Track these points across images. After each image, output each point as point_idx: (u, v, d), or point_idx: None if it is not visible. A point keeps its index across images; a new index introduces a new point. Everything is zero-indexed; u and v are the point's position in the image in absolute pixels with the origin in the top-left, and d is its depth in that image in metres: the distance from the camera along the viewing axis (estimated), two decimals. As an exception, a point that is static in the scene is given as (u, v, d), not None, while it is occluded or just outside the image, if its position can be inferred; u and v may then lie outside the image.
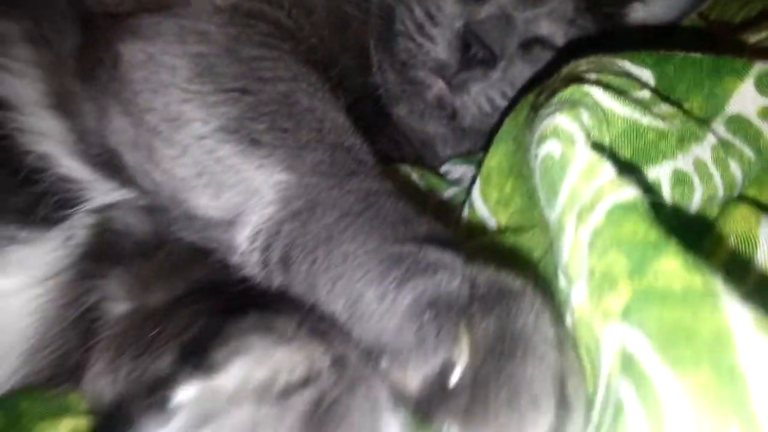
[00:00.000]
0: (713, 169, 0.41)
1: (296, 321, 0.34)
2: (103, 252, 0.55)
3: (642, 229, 0.28)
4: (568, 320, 0.34)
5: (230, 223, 0.44)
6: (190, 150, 0.47)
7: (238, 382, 0.26)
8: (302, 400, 0.25)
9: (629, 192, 0.30)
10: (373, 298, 0.34)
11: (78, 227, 0.56)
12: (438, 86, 0.65)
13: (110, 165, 0.54)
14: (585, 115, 0.37)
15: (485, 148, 0.56)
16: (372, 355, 0.32)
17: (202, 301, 0.47)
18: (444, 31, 0.63)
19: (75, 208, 0.56)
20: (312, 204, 0.41)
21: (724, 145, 0.42)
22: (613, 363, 0.28)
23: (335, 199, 0.41)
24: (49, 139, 0.56)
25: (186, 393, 0.26)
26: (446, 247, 0.36)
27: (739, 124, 0.43)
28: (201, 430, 0.23)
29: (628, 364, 0.26)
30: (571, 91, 0.39)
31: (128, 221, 0.57)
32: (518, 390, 0.29)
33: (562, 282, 0.35)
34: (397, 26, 0.65)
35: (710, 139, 0.42)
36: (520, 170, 0.48)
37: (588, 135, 0.35)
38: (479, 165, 0.55)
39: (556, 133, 0.35)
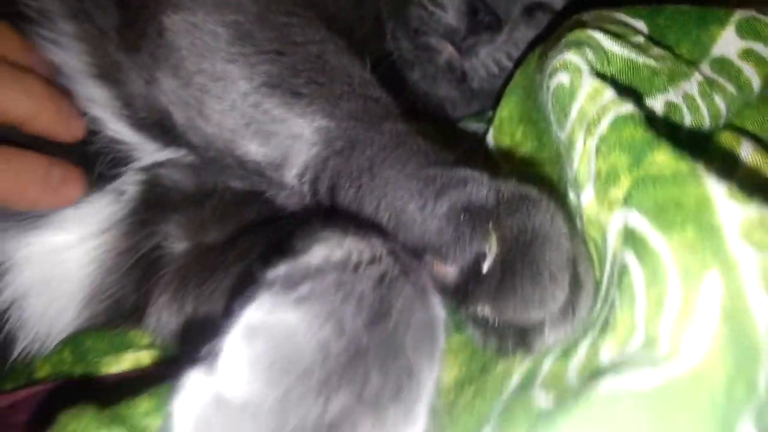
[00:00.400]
0: (700, 102, 0.47)
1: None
2: (155, 204, 0.61)
3: (639, 132, 0.34)
4: (578, 225, 0.40)
5: (279, 165, 0.50)
6: (237, 104, 0.52)
7: (320, 260, 0.32)
8: (371, 274, 0.31)
9: (628, 106, 0.36)
10: (415, 209, 0.40)
11: (129, 184, 0.62)
12: (448, 51, 0.69)
13: (156, 127, 0.60)
14: (589, 53, 0.43)
15: (494, 107, 0.61)
16: (416, 253, 0.39)
17: (255, 235, 0.52)
18: (453, 0, 0.69)
19: (125, 167, 0.62)
20: (352, 143, 0.47)
21: (709, 82, 0.48)
22: (617, 241, 0.34)
23: (372, 138, 0.47)
24: (97, 105, 0.61)
25: (275, 272, 0.32)
26: (473, 168, 0.42)
27: (722, 64, 0.49)
28: (293, 293, 0.29)
29: (629, 237, 0.32)
30: (576, 35, 0.45)
31: (175, 177, 0.62)
32: (539, 271, 0.36)
33: (571, 197, 0.41)
34: None
35: (697, 77, 0.48)
36: (530, 116, 0.54)
37: (592, 68, 0.41)
38: (490, 123, 0.60)
39: (565, 66, 0.41)
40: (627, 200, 0.33)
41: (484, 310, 0.37)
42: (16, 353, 0.60)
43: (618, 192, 0.34)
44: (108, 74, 0.61)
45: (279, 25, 0.57)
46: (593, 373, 0.29)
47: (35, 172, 0.54)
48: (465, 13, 0.67)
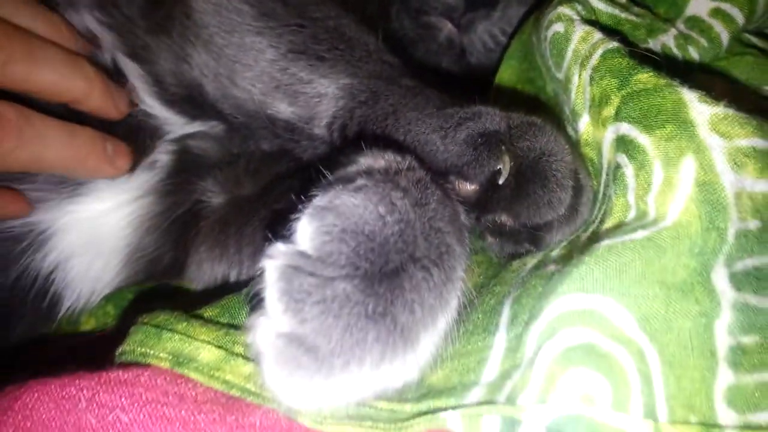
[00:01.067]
0: (676, 52, 0.54)
1: None
2: (188, 168, 0.67)
3: (625, 60, 0.41)
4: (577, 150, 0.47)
5: (308, 119, 0.56)
6: (266, 70, 0.58)
7: (367, 166, 0.38)
8: (410, 176, 0.38)
9: (614, 43, 0.43)
10: (437, 138, 0.46)
11: (162, 153, 0.68)
12: (448, 28, 0.75)
13: (186, 102, 0.65)
14: (579, 7, 0.49)
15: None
16: (440, 176, 0.45)
17: (289, 181, 0.58)
18: None
19: (158, 139, 0.67)
20: (375, 95, 0.53)
21: (684, 36, 0.55)
22: (610, 151, 0.40)
23: (392, 90, 0.53)
24: (133, 79, 0.66)
25: (330, 177, 0.38)
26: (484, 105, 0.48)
27: (694, 21, 0.56)
28: (350, 185, 0.35)
29: (620, 142, 0.39)
30: (567, -7, 0.52)
31: (204, 146, 0.68)
32: (547, 178, 0.42)
33: (569, 131, 0.48)
34: None
35: (673, 31, 0.54)
36: (528, 76, 0.60)
37: (582, 18, 0.48)
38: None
39: (559, 17, 0.48)
40: (617, 114, 0.40)
41: (501, 217, 0.43)
42: (62, 311, 0.66)
43: (610, 110, 0.40)
44: (139, 55, 0.66)
45: (297, 4, 0.63)
46: (595, 242, 0.35)
47: (94, 145, 0.60)
48: None
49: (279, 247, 0.32)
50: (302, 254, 0.32)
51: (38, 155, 0.57)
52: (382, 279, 0.32)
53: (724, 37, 0.56)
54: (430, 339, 0.33)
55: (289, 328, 0.30)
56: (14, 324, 0.63)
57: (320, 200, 0.34)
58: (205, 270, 0.61)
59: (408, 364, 0.32)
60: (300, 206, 0.35)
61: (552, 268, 0.36)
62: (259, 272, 0.32)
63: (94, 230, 0.65)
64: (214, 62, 0.61)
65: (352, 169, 0.38)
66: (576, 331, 0.30)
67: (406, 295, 0.32)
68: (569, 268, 0.33)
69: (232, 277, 0.59)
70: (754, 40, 0.58)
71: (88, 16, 0.68)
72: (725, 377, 0.31)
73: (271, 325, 0.31)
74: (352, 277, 0.31)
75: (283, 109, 0.57)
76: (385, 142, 0.48)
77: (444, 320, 0.34)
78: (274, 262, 0.32)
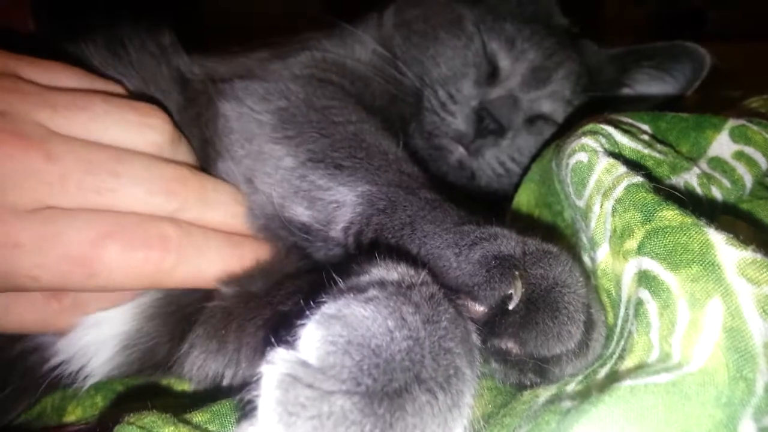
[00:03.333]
0: (699, 191, 0.53)
1: None
2: None
3: (650, 195, 0.41)
4: (592, 280, 0.45)
5: (325, 223, 0.56)
6: (285, 178, 0.59)
7: (377, 279, 0.37)
8: (423, 291, 0.37)
9: (639, 177, 0.43)
10: (451, 255, 0.45)
11: None
12: (459, 151, 0.78)
13: None
14: (602, 140, 0.50)
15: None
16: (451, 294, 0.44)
17: (298, 281, 0.57)
18: (462, 108, 0.78)
19: None
20: (393, 205, 0.53)
21: (707, 176, 0.55)
22: (631, 286, 0.39)
23: (411, 201, 0.53)
24: None
25: (341, 284, 0.37)
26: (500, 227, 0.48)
27: (717, 162, 0.56)
28: (361, 296, 0.34)
29: (643, 277, 0.38)
30: (590, 126, 0.52)
31: None
32: (558, 309, 0.41)
33: (586, 260, 0.47)
34: (425, 104, 0.79)
35: (696, 170, 0.55)
36: (545, 201, 0.60)
37: (606, 150, 0.48)
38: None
39: (583, 148, 0.48)
40: (640, 249, 0.39)
41: (508, 344, 0.42)
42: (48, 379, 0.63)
43: (632, 243, 0.40)
44: None
45: (321, 108, 0.65)
46: (615, 381, 0.33)
47: (258, 252, 0.62)
48: (472, 120, 0.77)
49: (280, 354, 0.31)
50: (304, 363, 0.30)
51: (198, 270, 0.57)
52: (383, 399, 0.30)
53: (748, 179, 0.56)
54: None
55: None
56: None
57: (329, 308, 0.33)
58: (197, 361, 0.59)
59: None
60: (307, 312, 0.33)
61: (567, 404, 0.35)
62: (256, 378, 0.31)
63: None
64: (236, 167, 0.63)
65: (364, 278, 0.37)
66: None
67: (407, 419, 0.30)
68: (587, 406, 0.31)
69: (227, 377, 0.57)
70: (777, 185, 0.58)
71: None
72: None
73: None
74: (352, 393, 0.30)
75: (300, 212, 0.57)
76: (399, 252, 0.48)
77: None
78: (273, 368, 0.30)
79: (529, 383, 0.42)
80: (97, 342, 0.63)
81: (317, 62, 0.77)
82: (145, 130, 0.58)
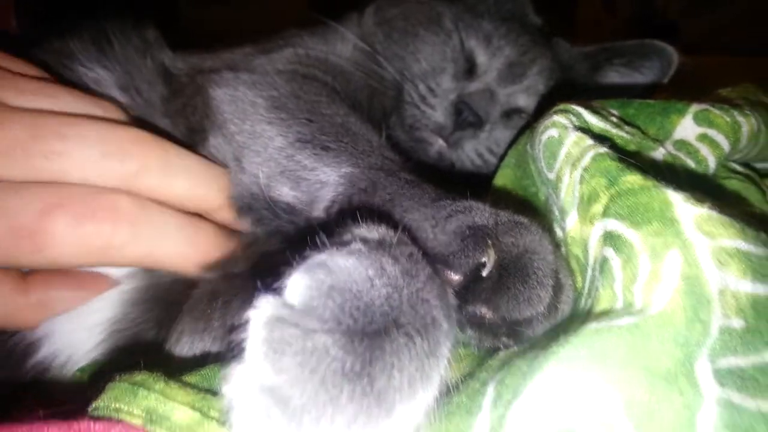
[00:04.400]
0: (664, 170, 0.56)
1: None
2: None
3: (614, 162, 0.43)
4: (562, 249, 0.48)
5: (309, 203, 0.58)
6: (273, 156, 0.61)
7: (359, 236, 0.39)
8: (402, 250, 0.39)
9: (605, 148, 0.45)
10: (429, 227, 0.47)
11: None
12: (438, 143, 0.81)
13: None
14: (572, 118, 0.52)
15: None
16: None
17: (278, 257, 0.59)
18: (442, 101, 0.81)
19: None
20: (373, 185, 0.55)
21: (672, 156, 0.57)
22: (597, 247, 0.42)
23: (391, 182, 0.55)
24: None
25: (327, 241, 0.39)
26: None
27: (682, 144, 0.59)
28: (344, 249, 0.36)
29: (608, 237, 0.40)
30: (562, 107, 0.55)
31: None
32: (528, 276, 0.43)
33: (557, 231, 0.50)
34: (406, 98, 0.82)
35: (661, 150, 0.57)
36: (521, 184, 0.63)
37: (575, 127, 0.51)
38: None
39: (554, 124, 0.51)
40: (605, 212, 0.41)
41: (482, 309, 0.44)
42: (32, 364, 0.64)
43: (598, 207, 0.42)
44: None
45: (309, 101, 0.68)
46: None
47: (217, 241, 0.61)
48: (451, 113, 0.80)
49: (267, 299, 0.32)
50: (289, 306, 0.32)
51: (152, 249, 0.54)
52: (363, 338, 0.32)
53: (711, 161, 0.58)
54: (406, 409, 0.33)
55: (265, 376, 0.30)
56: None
57: (314, 259, 0.35)
58: (186, 346, 0.60)
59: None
60: (294, 263, 0.35)
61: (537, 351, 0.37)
62: (244, 322, 0.33)
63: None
64: (226, 145, 0.64)
65: (347, 236, 0.39)
66: (560, 411, 0.30)
67: (386, 358, 0.32)
68: (555, 348, 0.33)
69: (214, 352, 0.58)
70: (738, 168, 0.61)
71: (112, 96, 0.72)
72: None
73: (248, 373, 0.30)
74: (333, 331, 0.32)
75: (285, 192, 0.59)
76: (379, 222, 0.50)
77: (423, 393, 0.34)
78: (260, 311, 0.32)
79: (502, 347, 0.44)
80: (82, 330, 0.65)
81: (300, 58, 0.79)
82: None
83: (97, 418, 0.37)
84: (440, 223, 0.47)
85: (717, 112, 0.60)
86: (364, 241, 0.38)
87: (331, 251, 0.36)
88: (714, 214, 0.37)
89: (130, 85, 0.76)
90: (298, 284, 0.33)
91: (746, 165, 0.63)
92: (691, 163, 0.58)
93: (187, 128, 0.70)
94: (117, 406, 0.38)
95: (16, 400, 0.58)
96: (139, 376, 0.40)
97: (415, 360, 0.33)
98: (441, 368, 0.35)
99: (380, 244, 0.38)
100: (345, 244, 0.37)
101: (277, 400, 0.30)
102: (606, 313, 0.36)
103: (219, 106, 0.67)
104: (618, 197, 0.40)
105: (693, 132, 0.60)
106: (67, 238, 0.50)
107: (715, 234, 0.36)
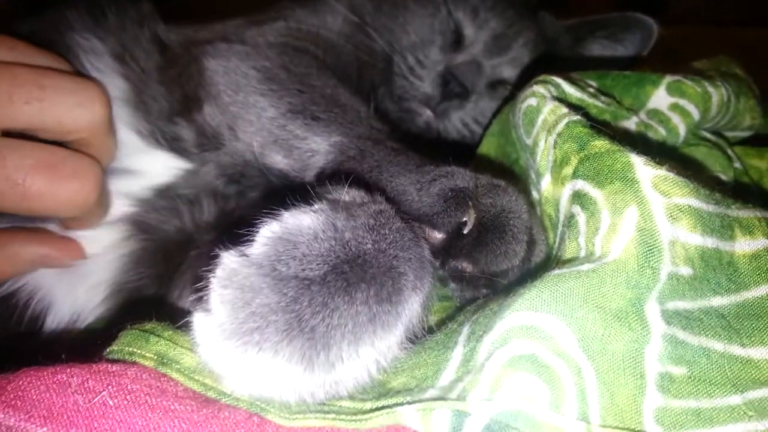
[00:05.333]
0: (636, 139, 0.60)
1: None
2: (177, 209, 0.71)
3: (585, 129, 0.47)
4: (537, 210, 0.52)
5: (300, 170, 0.61)
6: (266, 126, 0.65)
7: (330, 198, 0.42)
8: (367, 209, 0.41)
9: (578, 116, 0.49)
10: (414, 190, 0.51)
11: (152, 193, 0.72)
12: (426, 114, 0.85)
13: (173, 145, 0.72)
14: (551, 88, 0.56)
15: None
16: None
17: None
18: (429, 73, 0.84)
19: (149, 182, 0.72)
20: (362, 153, 0.58)
21: (645, 124, 0.61)
22: (566, 205, 0.46)
23: (378, 150, 0.58)
24: (123, 128, 0.72)
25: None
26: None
27: (654, 113, 0.63)
28: (308, 208, 0.40)
29: (576, 196, 0.44)
30: (542, 78, 0.58)
31: (196, 190, 0.72)
32: (505, 232, 0.47)
33: (533, 193, 0.54)
34: (395, 69, 0.85)
35: (635, 119, 0.61)
36: (504, 151, 0.66)
37: (553, 96, 0.54)
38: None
39: (533, 94, 0.54)
40: (575, 173, 0.45)
41: (463, 264, 0.48)
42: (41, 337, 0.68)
43: (569, 169, 0.46)
44: (140, 102, 0.74)
45: (299, 73, 0.71)
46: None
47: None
48: (439, 84, 0.83)
49: (228, 252, 0.37)
50: (243, 255, 0.37)
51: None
52: (292, 282, 0.36)
53: (682, 129, 0.62)
54: (350, 350, 0.36)
55: (213, 309, 0.35)
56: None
57: (280, 217, 0.39)
58: (186, 302, 0.64)
59: (328, 373, 0.36)
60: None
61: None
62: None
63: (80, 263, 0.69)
64: (219, 115, 0.67)
65: (316, 198, 0.42)
66: (524, 343, 0.34)
67: (315, 299, 0.36)
68: (522, 290, 0.37)
69: None
70: (708, 135, 0.65)
71: (106, 65, 0.75)
72: (654, 399, 0.35)
73: (204, 308, 0.35)
74: (265, 275, 0.36)
75: (278, 160, 0.63)
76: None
77: (376, 334, 0.37)
78: (221, 262, 0.36)
79: (481, 297, 0.48)
80: (85, 290, 0.69)
81: (291, 31, 0.82)
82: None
83: (113, 361, 0.41)
84: (424, 186, 0.51)
85: (689, 83, 0.63)
86: (330, 201, 0.41)
87: (295, 211, 0.39)
88: (670, 175, 0.41)
89: (125, 54, 0.78)
90: (258, 238, 0.38)
91: (717, 133, 0.67)
92: (662, 132, 0.61)
93: (182, 95, 0.73)
94: (130, 350, 0.42)
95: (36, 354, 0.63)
96: (149, 325, 0.44)
97: (360, 304, 0.37)
98: (401, 314, 0.38)
99: (345, 205, 0.41)
100: (311, 204, 0.41)
101: (220, 329, 0.35)
102: (570, 262, 0.40)
103: (212, 77, 0.70)
104: (586, 160, 0.44)
105: (666, 102, 0.63)
106: (48, 194, 0.56)
107: (670, 192, 0.40)
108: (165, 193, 0.72)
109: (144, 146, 0.72)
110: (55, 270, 0.68)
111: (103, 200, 0.65)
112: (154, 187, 0.72)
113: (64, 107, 0.58)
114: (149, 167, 0.72)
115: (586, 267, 0.37)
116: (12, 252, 0.63)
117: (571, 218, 0.43)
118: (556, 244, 0.47)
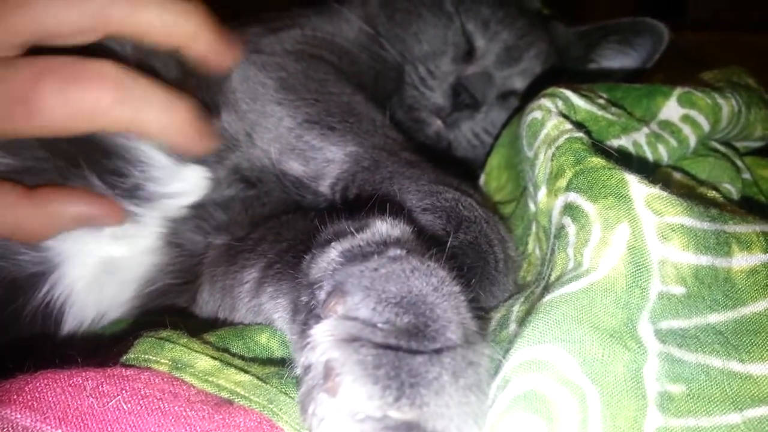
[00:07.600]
0: (646, 149, 0.60)
1: None
2: (203, 217, 0.73)
3: (584, 145, 0.48)
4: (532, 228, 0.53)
5: (316, 178, 0.63)
6: (283, 135, 0.67)
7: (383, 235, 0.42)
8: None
9: (580, 133, 0.50)
10: (420, 205, 0.53)
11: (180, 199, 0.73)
12: (436, 124, 0.86)
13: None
14: (559, 102, 0.57)
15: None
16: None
17: (281, 229, 0.64)
18: (440, 83, 0.85)
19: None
20: (376, 163, 0.60)
21: (656, 135, 0.62)
22: (558, 216, 0.47)
23: (392, 161, 0.60)
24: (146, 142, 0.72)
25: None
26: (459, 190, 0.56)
27: (666, 124, 0.63)
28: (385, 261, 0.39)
29: (568, 208, 0.45)
30: (550, 90, 0.59)
31: (218, 199, 0.74)
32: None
33: (530, 205, 0.55)
34: (406, 79, 0.86)
35: (645, 130, 0.61)
36: (512, 162, 0.68)
37: (559, 112, 0.55)
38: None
39: (539, 107, 0.55)
40: (568, 185, 0.46)
41: None
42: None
43: (563, 181, 0.47)
44: None
45: (316, 80, 0.73)
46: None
47: (193, 116, 0.62)
48: (450, 95, 0.84)
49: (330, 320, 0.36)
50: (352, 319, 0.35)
51: (137, 117, 0.57)
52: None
53: (692, 140, 0.63)
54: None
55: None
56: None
57: (363, 266, 0.38)
58: (203, 305, 0.66)
59: None
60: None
61: (513, 327, 0.42)
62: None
63: (107, 265, 0.71)
64: (238, 121, 0.70)
65: (367, 235, 0.42)
66: (522, 379, 0.35)
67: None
68: (522, 330, 0.38)
69: (220, 314, 0.63)
70: (717, 146, 0.65)
71: None
72: (655, 419, 0.35)
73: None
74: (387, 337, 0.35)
75: (295, 167, 0.65)
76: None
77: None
78: (329, 328, 0.35)
79: None
80: (115, 284, 0.71)
81: (307, 39, 0.83)
82: None
83: (127, 366, 0.44)
84: (430, 203, 0.53)
85: (699, 94, 0.64)
86: (397, 242, 0.41)
87: (378, 260, 0.38)
88: (663, 193, 0.42)
89: (143, 62, 0.80)
90: (356, 294, 0.36)
91: (727, 143, 0.67)
92: (673, 142, 0.62)
93: (201, 103, 0.75)
94: (146, 357, 0.44)
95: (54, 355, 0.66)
96: (165, 332, 0.47)
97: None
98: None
99: (408, 248, 0.41)
100: (377, 248, 0.40)
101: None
102: (559, 278, 0.41)
103: (230, 86, 0.73)
104: (581, 173, 0.45)
105: (677, 113, 0.64)
106: (56, 101, 0.53)
107: (663, 211, 0.41)
108: (195, 209, 0.74)
109: (172, 164, 0.72)
110: (82, 271, 0.70)
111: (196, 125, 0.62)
112: (187, 205, 0.73)
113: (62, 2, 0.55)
114: (182, 187, 0.72)
115: (575, 287, 0.39)
116: (53, 210, 0.61)
117: (561, 229, 0.44)
118: (548, 256, 0.48)
